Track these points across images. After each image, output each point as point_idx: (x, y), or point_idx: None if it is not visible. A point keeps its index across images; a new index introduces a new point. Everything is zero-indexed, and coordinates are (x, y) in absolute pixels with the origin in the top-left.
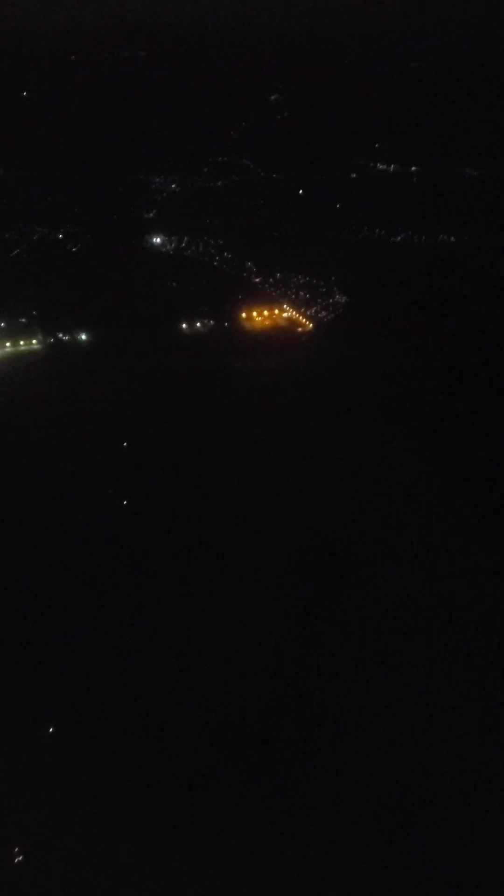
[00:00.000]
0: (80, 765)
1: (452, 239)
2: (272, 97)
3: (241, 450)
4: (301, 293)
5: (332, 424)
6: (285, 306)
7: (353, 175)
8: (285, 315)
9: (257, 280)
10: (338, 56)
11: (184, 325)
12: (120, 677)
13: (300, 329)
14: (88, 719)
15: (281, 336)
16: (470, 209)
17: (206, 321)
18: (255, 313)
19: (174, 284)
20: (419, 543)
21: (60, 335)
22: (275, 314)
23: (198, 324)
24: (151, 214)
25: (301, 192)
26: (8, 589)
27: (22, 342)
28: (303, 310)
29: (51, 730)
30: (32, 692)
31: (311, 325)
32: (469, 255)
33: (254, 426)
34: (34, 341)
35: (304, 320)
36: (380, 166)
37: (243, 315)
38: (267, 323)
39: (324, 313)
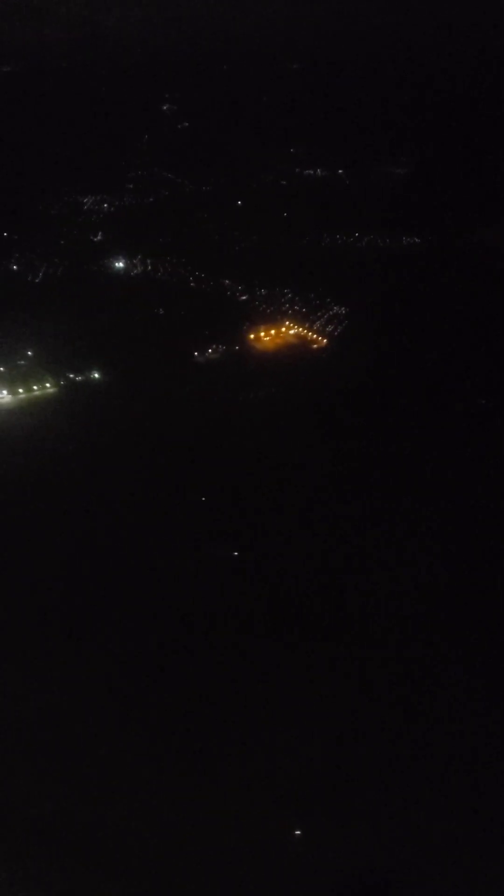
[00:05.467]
0: None
1: (417, 240)
2: (164, 107)
3: (312, 483)
4: (296, 307)
5: (391, 442)
6: (288, 323)
7: (284, 182)
8: (292, 332)
9: (244, 298)
10: (217, 62)
11: (196, 354)
12: None
13: (315, 346)
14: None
15: (299, 355)
16: (416, 208)
17: (217, 347)
18: (262, 333)
19: (161, 311)
20: None
21: (71, 375)
22: (282, 332)
23: (209, 350)
24: (99, 237)
25: (240, 202)
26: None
27: (35, 386)
28: (307, 325)
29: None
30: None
31: (324, 339)
32: (443, 255)
33: (312, 454)
34: (47, 385)
35: (314, 336)
36: (306, 171)
37: (251, 336)
38: (278, 342)
39: (331, 326)
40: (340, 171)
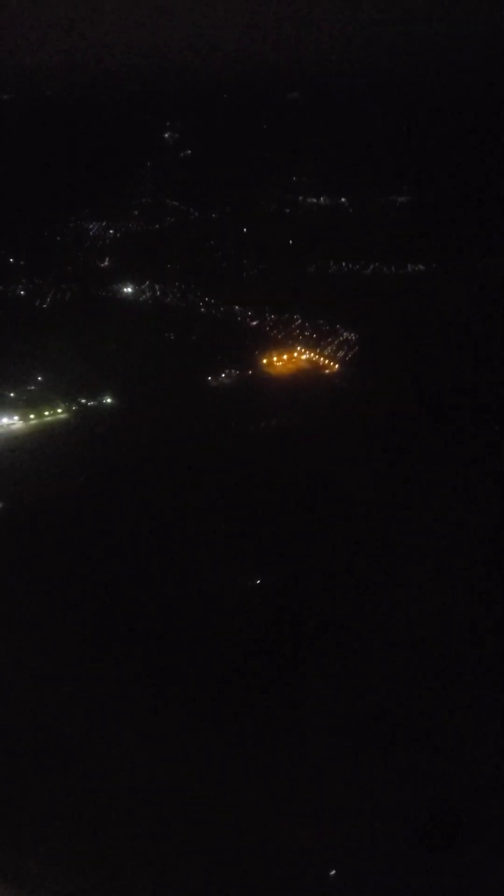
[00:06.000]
0: None
1: (421, 267)
2: (166, 135)
3: (325, 505)
4: (306, 333)
5: (409, 467)
6: (300, 348)
7: (287, 210)
8: (304, 357)
9: (255, 323)
10: (218, 90)
11: (209, 378)
12: None
13: (327, 371)
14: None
15: (312, 380)
16: (420, 236)
17: (230, 371)
18: (275, 358)
19: (172, 336)
20: None
21: (83, 400)
22: (294, 357)
23: (222, 375)
24: (106, 263)
25: (245, 230)
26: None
27: (47, 412)
28: (319, 350)
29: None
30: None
31: (336, 365)
32: (448, 281)
33: (325, 476)
34: (58, 410)
35: (326, 361)
36: (309, 199)
37: (264, 361)
38: (290, 367)
39: (342, 352)
40: (343, 200)
